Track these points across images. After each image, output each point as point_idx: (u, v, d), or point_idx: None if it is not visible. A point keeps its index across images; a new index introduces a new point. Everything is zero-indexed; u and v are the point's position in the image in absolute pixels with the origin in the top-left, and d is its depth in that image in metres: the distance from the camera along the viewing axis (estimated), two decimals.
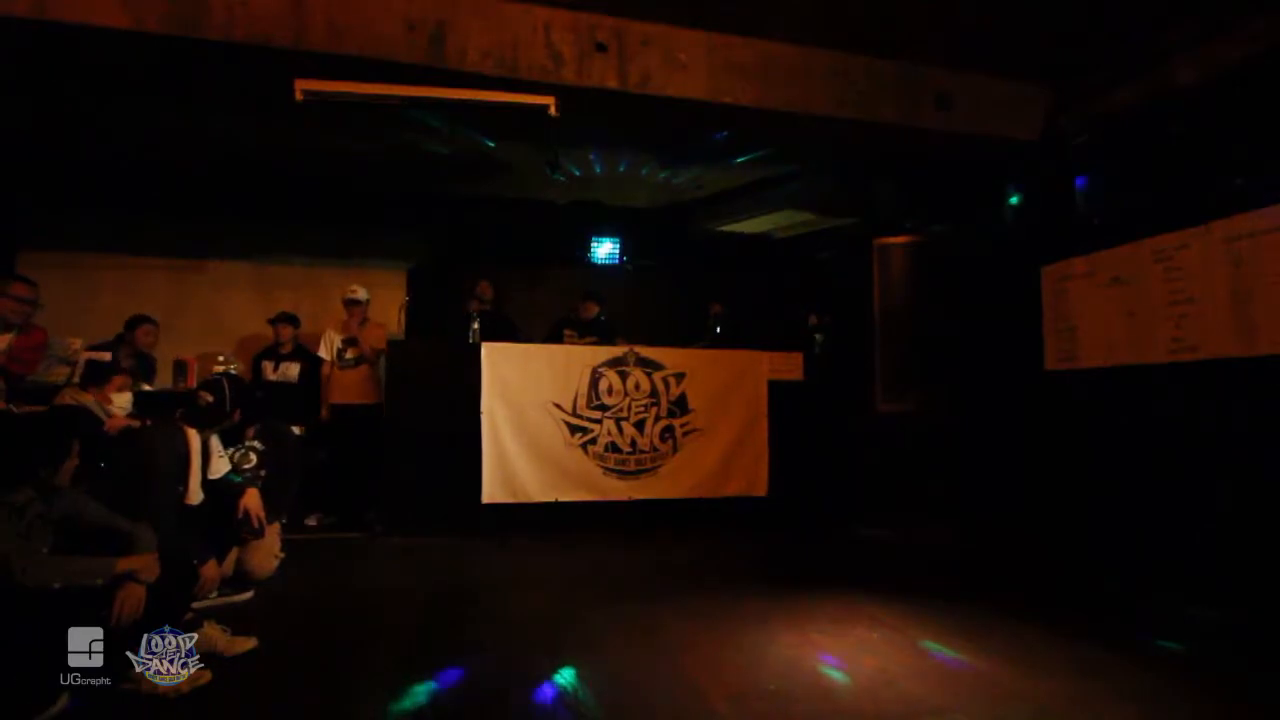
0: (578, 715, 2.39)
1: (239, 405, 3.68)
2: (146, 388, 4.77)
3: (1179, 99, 4.46)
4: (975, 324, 5.67)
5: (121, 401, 3.87)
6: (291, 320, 5.98)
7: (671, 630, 3.22)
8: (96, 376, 3.86)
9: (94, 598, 2.29)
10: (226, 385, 3.65)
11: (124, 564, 2.37)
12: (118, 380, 3.90)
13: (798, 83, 4.70)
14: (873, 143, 5.30)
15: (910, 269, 6.01)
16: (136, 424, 3.66)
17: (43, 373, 4.56)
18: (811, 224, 7.50)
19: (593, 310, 6.40)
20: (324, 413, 5.73)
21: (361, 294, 5.84)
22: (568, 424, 5.41)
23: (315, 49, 3.94)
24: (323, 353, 5.80)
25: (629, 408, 5.54)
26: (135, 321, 5.39)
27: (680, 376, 5.67)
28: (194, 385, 4.59)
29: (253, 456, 3.89)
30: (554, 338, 6.14)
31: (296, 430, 5.34)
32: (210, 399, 3.60)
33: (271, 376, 5.81)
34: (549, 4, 4.26)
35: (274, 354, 5.91)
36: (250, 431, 3.88)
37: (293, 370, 5.83)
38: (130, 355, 5.11)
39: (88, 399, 3.72)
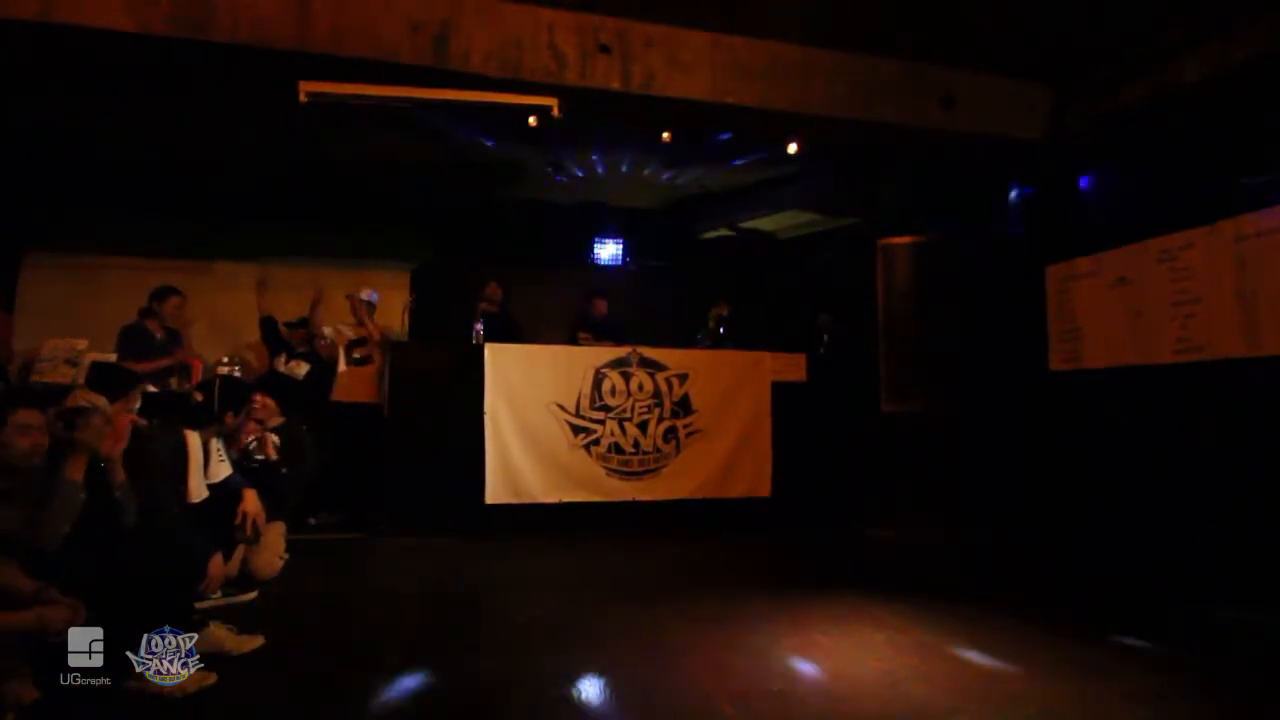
0: (580, 716, 2.39)
1: (230, 408, 3.68)
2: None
3: (1183, 98, 4.45)
4: (979, 324, 5.65)
5: (134, 404, 3.87)
6: (305, 326, 6.12)
7: (675, 631, 3.21)
8: (116, 388, 3.82)
9: None
10: (218, 386, 3.65)
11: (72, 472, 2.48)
12: (139, 388, 3.91)
13: (800, 83, 4.70)
14: (876, 143, 5.30)
15: (914, 269, 6.00)
16: (143, 421, 3.66)
17: (47, 373, 4.59)
18: (814, 224, 7.49)
19: (602, 307, 6.42)
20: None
21: (365, 294, 5.95)
22: (571, 425, 5.41)
23: (319, 51, 3.95)
24: (333, 336, 5.87)
25: (632, 408, 5.53)
26: (164, 293, 5.27)
27: (683, 377, 5.66)
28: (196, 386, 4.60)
29: (270, 449, 3.89)
30: (571, 341, 6.14)
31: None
32: (200, 398, 3.61)
33: (281, 369, 5.89)
34: (552, 5, 4.27)
35: (289, 350, 6.04)
36: (252, 429, 3.89)
37: (301, 369, 5.88)
38: (161, 327, 5.18)
39: (99, 400, 3.72)
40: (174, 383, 4.90)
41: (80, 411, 2.55)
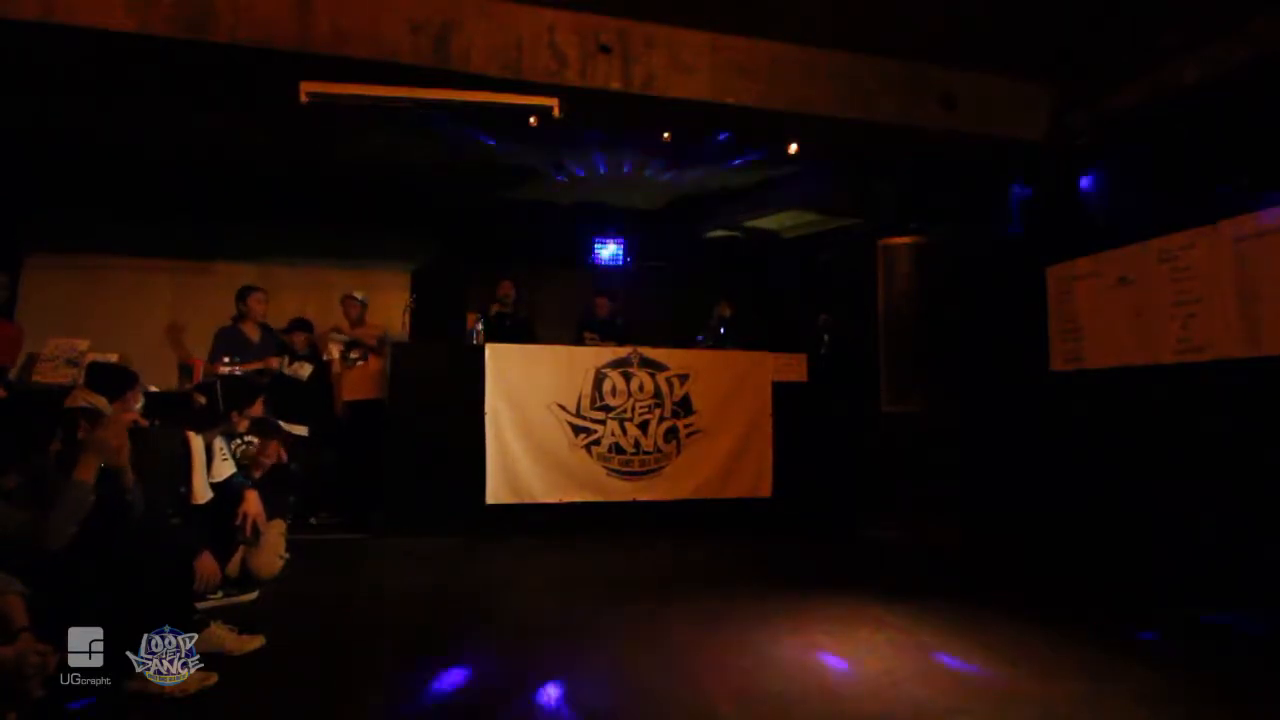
0: (581, 716, 2.39)
1: (234, 407, 3.67)
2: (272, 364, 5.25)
3: (1184, 98, 4.45)
4: (979, 325, 5.65)
5: (136, 404, 3.88)
6: (304, 327, 6.12)
7: (675, 632, 3.21)
8: (115, 388, 3.83)
9: None
10: (219, 387, 3.64)
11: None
12: (138, 389, 3.92)
13: (801, 83, 4.70)
14: (877, 143, 5.29)
15: (914, 270, 6.00)
16: (144, 423, 3.66)
17: (48, 374, 4.59)
18: (815, 224, 7.49)
19: (604, 306, 6.44)
20: (339, 409, 5.79)
21: (360, 295, 6.06)
22: (571, 425, 5.41)
23: (319, 51, 3.96)
24: (327, 354, 5.88)
25: (633, 409, 5.53)
26: (245, 291, 5.46)
27: (684, 377, 5.66)
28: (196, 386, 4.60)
29: (252, 451, 3.90)
30: (577, 341, 6.17)
31: (303, 430, 5.36)
32: (203, 401, 3.60)
33: (285, 371, 5.89)
34: (553, 5, 4.27)
35: (291, 352, 6.02)
36: (244, 425, 3.88)
37: (304, 370, 5.88)
38: (255, 328, 5.40)
39: (99, 400, 3.72)
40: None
41: (98, 413, 2.54)
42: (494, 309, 6.17)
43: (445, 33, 4.13)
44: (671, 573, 4.40)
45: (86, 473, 2.47)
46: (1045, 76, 5.12)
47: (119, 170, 6.29)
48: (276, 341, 5.57)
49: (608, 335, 6.23)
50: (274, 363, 5.28)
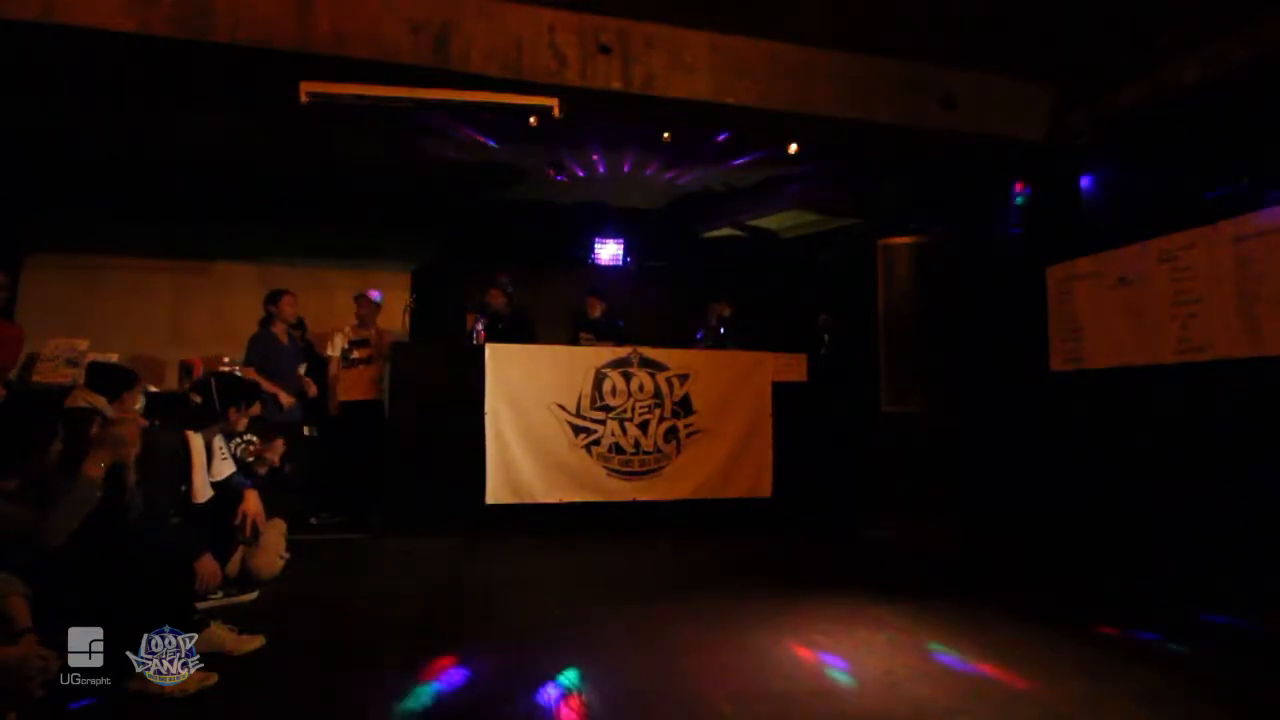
0: (581, 716, 2.39)
1: (231, 405, 3.66)
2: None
3: (1184, 98, 4.45)
4: (980, 325, 5.65)
5: (136, 404, 3.89)
6: (296, 325, 6.07)
7: (675, 631, 3.21)
8: (115, 388, 3.83)
9: None
10: (214, 386, 3.63)
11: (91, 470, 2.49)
12: (138, 389, 3.93)
13: (801, 83, 4.70)
14: (877, 143, 5.30)
15: (914, 270, 6.00)
16: (145, 423, 3.67)
17: (48, 374, 4.60)
18: (815, 224, 7.50)
19: (597, 307, 6.44)
20: (332, 408, 5.77)
21: (377, 297, 6.04)
22: (571, 425, 5.41)
23: (319, 51, 3.96)
24: (330, 350, 5.86)
25: (633, 409, 5.53)
26: (276, 295, 5.41)
27: (684, 377, 5.66)
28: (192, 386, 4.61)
29: (252, 450, 3.91)
30: (573, 342, 6.17)
31: (305, 430, 5.37)
32: (198, 400, 3.60)
33: None
34: (553, 5, 4.27)
35: None
36: (243, 423, 3.89)
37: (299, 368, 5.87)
38: (286, 332, 5.38)
39: (99, 400, 3.73)
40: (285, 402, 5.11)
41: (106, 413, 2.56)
42: (483, 322, 6.06)
43: (445, 33, 4.13)
44: (671, 573, 4.40)
45: (95, 469, 2.48)
46: (1045, 76, 5.12)
47: (119, 170, 6.29)
48: (298, 343, 5.54)
49: (603, 335, 6.22)
50: (286, 401, 5.18)
